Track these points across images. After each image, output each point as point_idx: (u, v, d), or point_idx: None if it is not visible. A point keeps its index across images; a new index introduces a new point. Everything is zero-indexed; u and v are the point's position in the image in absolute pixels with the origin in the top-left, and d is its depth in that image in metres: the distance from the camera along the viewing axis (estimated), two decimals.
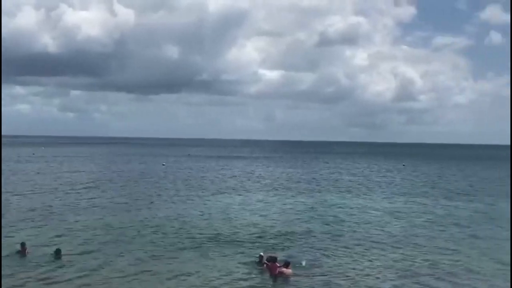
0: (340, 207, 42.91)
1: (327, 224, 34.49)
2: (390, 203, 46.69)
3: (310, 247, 27.51)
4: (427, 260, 25.14)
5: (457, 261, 25.18)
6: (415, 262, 24.79)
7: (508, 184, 68.55)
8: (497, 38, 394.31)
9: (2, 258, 23.22)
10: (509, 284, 21.32)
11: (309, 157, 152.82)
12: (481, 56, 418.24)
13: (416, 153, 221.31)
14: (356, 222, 35.50)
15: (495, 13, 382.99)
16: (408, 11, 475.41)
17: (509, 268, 23.44)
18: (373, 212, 40.88)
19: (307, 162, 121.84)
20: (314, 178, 71.36)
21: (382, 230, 32.74)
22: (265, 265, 22.90)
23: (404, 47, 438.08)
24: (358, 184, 63.94)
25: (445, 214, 40.27)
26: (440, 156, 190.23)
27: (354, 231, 32.13)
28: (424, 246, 28.30)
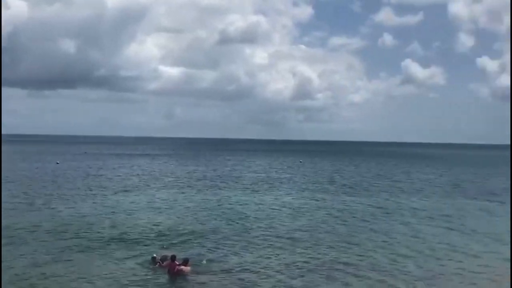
0: (243, 204, 43.27)
1: (230, 221, 34.61)
2: (291, 198, 47.73)
3: (214, 244, 27.42)
4: (329, 254, 25.77)
5: (360, 255, 25.91)
6: (319, 256, 25.33)
7: (401, 180, 72.41)
8: (389, 39, 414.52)
9: None
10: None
11: (210, 154, 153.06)
12: (374, 56, 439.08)
13: (314, 150, 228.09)
14: (259, 218, 35.92)
15: (388, 16, 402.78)
16: (306, 12, 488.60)
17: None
18: (275, 208, 41.57)
19: (209, 159, 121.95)
20: (216, 176, 71.54)
21: (285, 226, 33.32)
22: (158, 264, 22.74)
23: (302, 46, 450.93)
24: (260, 181, 64.86)
25: (344, 209, 41.66)
26: (336, 152, 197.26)
27: (258, 227, 32.46)
28: (327, 240, 29.01)
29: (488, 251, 27.42)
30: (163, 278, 21.63)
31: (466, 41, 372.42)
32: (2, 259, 23.29)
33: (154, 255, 23.78)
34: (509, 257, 25.73)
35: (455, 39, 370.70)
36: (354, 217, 37.84)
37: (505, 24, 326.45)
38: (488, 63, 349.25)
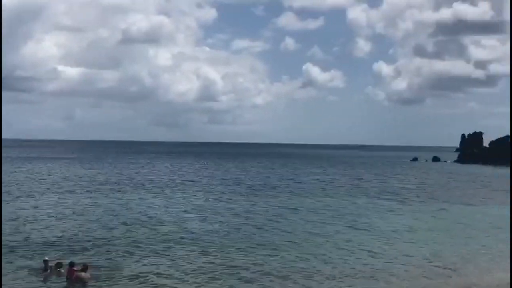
0: (149, 207, 42.05)
1: (137, 225, 33.42)
2: (198, 201, 47.15)
3: (118, 249, 26.33)
4: (241, 256, 25.48)
5: (271, 255, 25.79)
6: (231, 258, 24.94)
7: (304, 180, 73.90)
8: (291, 43, 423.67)
9: None
10: None
11: (113, 157, 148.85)
12: (277, 60, 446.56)
13: (218, 151, 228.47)
14: (167, 221, 35.01)
15: (290, 20, 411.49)
16: (209, 14, 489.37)
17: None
18: (183, 210, 40.82)
19: (112, 162, 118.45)
20: (121, 179, 69.37)
21: (195, 228, 32.61)
22: (49, 270, 21.67)
23: (206, 48, 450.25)
24: (166, 183, 63.69)
25: (251, 210, 41.65)
26: (241, 154, 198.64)
27: (159, 232, 31.30)
28: (237, 242, 28.64)
29: (390, 248, 28.27)
30: (61, 286, 20.49)
31: (363, 46, 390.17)
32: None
33: (46, 258, 22.51)
34: (408, 253, 26.78)
35: (354, 44, 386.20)
36: (261, 217, 37.92)
37: (400, 30, 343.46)
38: (384, 68, 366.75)
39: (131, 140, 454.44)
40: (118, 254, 25.49)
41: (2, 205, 40.52)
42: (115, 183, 63.36)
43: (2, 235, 28.80)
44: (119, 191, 54.14)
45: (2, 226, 31.92)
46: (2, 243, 27.00)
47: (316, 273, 22.93)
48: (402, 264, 24.93)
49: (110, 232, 30.93)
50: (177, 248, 27.19)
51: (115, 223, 34.13)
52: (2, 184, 55.34)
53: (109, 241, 28.51)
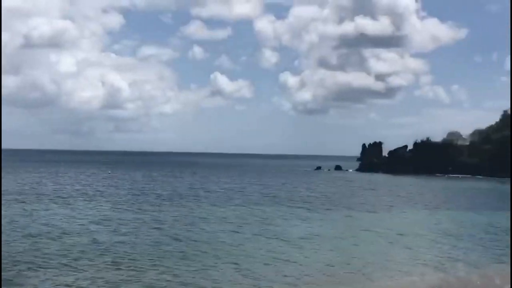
0: (50, 219, 40.05)
1: (35, 237, 31.82)
2: (102, 211, 45.69)
3: (18, 263, 25.01)
4: (152, 267, 25.09)
5: (183, 264, 25.74)
6: (141, 270, 24.52)
7: (213, 189, 74.01)
8: (199, 52, 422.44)
9: None
10: None
11: (11, 166, 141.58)
12: (185, 68, 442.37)
13: (124, 160, 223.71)
14: (67, 234, 33.35)
15: (198, 29, 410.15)
16: (116, 20, 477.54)
17: None
18: (86, 222, 39.08)
19: (10, 171, 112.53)
20: (20, 189, 65.88)
21: (96, 241, 31.31)
22: None
23: (113, 55, 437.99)
24: (67, 194, 61.22)
25: (159, 220, 40.91)
26: (148, 163, 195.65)
27: (66, 243, 30.09)
28: (146, 253, 28.13)
29: (300, 255, 28.93)
30: None
31: (270, 56, 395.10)
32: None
33: None
34: (317, 259, 27.53)
35: (261, 54, 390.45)
36: (171, 227, 37.54)
37: (305, 42, 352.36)
38: (290, 79, 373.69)
39: (32, 148, 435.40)
40: (23, 267, 24.31)
41: None
42: (17, 193, 60.32)
43: None
44: (22, 201, 51.58)
45: None
46: None
47: (226, 281, 23.10)
48: (311, 270, 25.61)
49: (14, 245, 29.42)
50: (86, 260, 26.35)
51: (18, 235, 32.50)
52: None
53: (13, 254, 27.08)
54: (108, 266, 25.07)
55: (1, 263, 22.06)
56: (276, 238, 33.79)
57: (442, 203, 60.64)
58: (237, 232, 35.85)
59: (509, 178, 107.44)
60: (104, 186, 75.51)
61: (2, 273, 23.05)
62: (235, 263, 26.37)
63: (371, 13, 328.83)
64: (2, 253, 27.17)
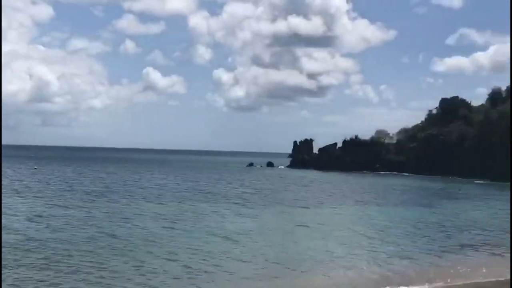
0: None
1: None
2: (31, 208, 43.99)
3: None
4: (79, 264, 24.53)
5: (116, 260, 25.38)
6: (71, 266, 24.03)
7: (143, 186, 73.12)
8: (131, 46, 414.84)
9: None
10: None
11: None
12: (116, 62, 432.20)
13: (51, 155, 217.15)
14: None
15: (130, 23, 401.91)
16: (45, 11, 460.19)
17: None
18: (10, 217, 37.32)
19: None
20: None
21: (28, 237, 30.41)
22: None
23: (41, 47, 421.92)
24: None
25: (86, 216, 39.78)
26: (76, 158, 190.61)
27: None
28: (70, 250, 27.27)
29: (236, 251, 29.12)
30: None
31: (204, 53, 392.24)
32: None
33: None
34: (254, 254, 27.77)
35: (195, 51, 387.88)
36: (102, 223, 36.69)
37: (239, 39, 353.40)
38: (223, 75, 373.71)
39: None
40: None
41: None
42: None
43: None
44: None
45: None
46: None
47: (164, 277, 23.03)
48: (248, 265, 25.87)
49: None
50: (16, 257, 25.49)
51: None
52: None
53: None
54: (41, 264, 24.35)
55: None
56: (213, 234, 33.82)
57: (372, 199, 62.47)
58: (173, 228, 35.62)
59: (433, 176, 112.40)
60: (32, 181, 73.02)
61: None
62: (173, 260, 26.20)
63: (304, 13, 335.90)
64: None
